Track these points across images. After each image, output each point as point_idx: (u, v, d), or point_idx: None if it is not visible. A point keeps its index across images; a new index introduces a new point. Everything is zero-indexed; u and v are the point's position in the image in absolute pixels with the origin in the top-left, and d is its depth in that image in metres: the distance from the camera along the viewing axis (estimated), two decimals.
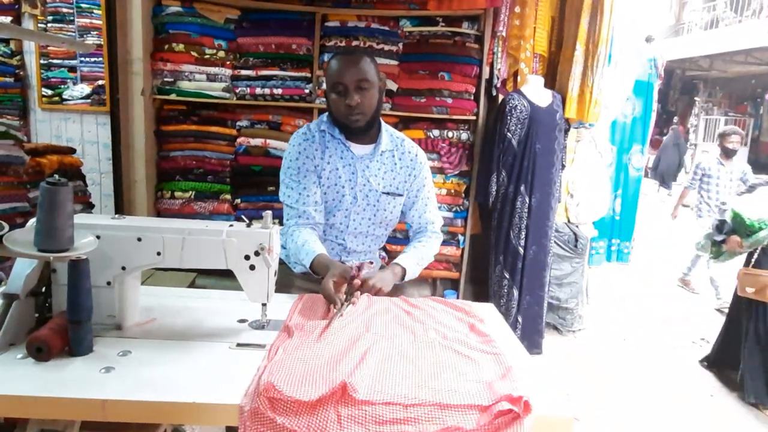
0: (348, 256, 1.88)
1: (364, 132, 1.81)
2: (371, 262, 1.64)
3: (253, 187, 3.32)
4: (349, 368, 1.07)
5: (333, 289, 1.46)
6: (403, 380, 1.06)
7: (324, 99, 3.23)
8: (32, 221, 1.18)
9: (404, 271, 1.78)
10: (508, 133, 3.09)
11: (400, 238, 3.05)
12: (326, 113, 1.90)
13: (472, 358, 1.20)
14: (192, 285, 3.04)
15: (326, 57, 3.23)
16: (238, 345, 1.23)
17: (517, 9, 3.23)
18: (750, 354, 2.96)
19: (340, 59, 1.76)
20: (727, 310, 3.44)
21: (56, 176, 1.08)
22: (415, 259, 1.84)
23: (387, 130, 1.89)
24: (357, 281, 1.54)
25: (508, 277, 3.22)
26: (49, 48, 3.86)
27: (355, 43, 3.20)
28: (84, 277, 1.12)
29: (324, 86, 3.20)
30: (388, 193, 1.85)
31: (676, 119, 16.17)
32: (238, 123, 3.30)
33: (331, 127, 1.84)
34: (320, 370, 1.06)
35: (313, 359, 1.12)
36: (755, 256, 3.09)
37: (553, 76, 3.41)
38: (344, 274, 1.53)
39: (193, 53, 3.19)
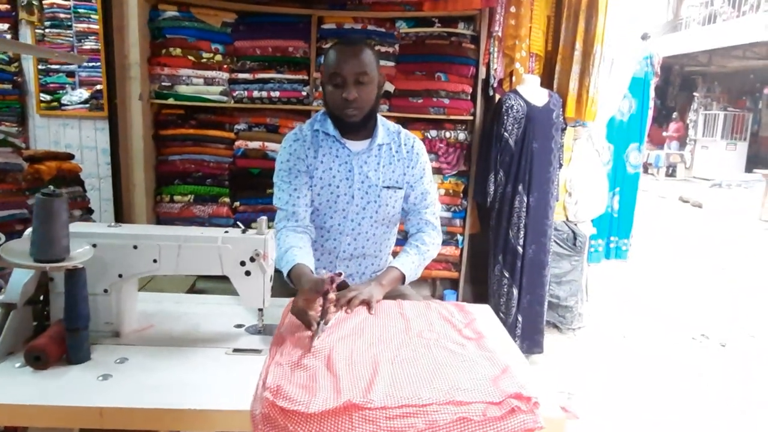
0: (345, 261, 1.84)
1: (360, 127, 1.76)
2: (340, 273, 1.49)
3: (251, 190, 3.33)
4: (360, 384, 1.06)
5: (305, 309, 1.33)
6: (409, 383, 1.07)
7: (321, 101, 3.26)
8: (29, 231, 1.20)
9: (402, 275, 1.73)
10: (505, 133, 3.10)
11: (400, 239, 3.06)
12: (319, 112, 1.86)
13: (468, 356, 1.21)
14: (191, 288, 3.06)
15: (323, 59, 3.23)
16: (235, 350, 1.24)
17: (513, 9, 3.23)
18: None
19: (341, 49, 1.70)
20: None
21: (51, 187, 1.09)
22: (416, 260, 1.79)
23: (384, 124, 1.85)
24: (331, 295, 1.37)
25: (507, 276, 3.23)
26: None
27: None
28: (80, 285, 1.13)
29: (321, 89, 3.23)
30: (388, 187, 1.79)
31: (675, 115, 16.17)
32: (236, 126, 3.30)
33: (325, 125, 1.79)
34: (324, 380, 1.06)
35: (314, 366, 1.12)
36: None
37: (550, 76, 3.42)
38: (315, 288, 1.36)
39: (191, 57, 3.20)
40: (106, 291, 1.25)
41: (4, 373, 1.08)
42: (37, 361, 1.09)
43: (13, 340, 1.15)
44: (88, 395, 1.02)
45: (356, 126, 1.74)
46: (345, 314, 1.46)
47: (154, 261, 1.25)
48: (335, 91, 1.69)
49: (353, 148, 1.78)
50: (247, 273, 1.28)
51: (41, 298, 1.23)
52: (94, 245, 1.20)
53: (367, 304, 1.52)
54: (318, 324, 1.27)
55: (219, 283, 2.97)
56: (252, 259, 1.27)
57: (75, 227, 1.21)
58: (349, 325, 1.37)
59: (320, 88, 3.18)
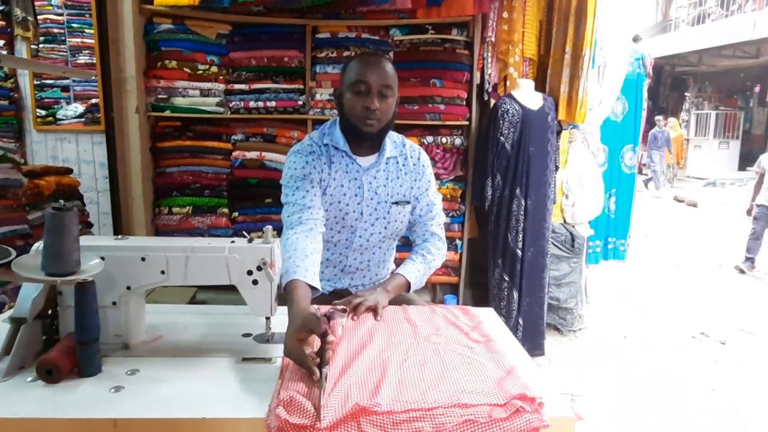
0: (349, 274, 1.84)
1: (372, 140, 1.73)
2: (344, 310, 1.45)
3: (250, 200, 3.33)
4: (367, 387, 1.07)
5: (302, 353, 1.14)
6: (415, 386, 1.08)
7: (318, 110, 3.28)
8: (37, 245, 1.20)
9: (408, 282, 1.73)
10: (501, 137, 3.12)
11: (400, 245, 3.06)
12: (324, 125, 1.82)
13: (475, 359, 1.22)
14: (192, 299, 3.06)
15: (318, 68, 3.26)
16: (244, 359, 1.25)
17: (505, 14, 3.25)
18: None
19: (366, 59, 1.68)
20: None
21: (61, 201, 1.10)
22: (422, 268, 1.78)
23: (389, 136, 1.81)
24: (331, 337, 1.19)
25: (507, 279, 3.24)
26: None
27: (346, 53, 3.23)
28: (91, 298, 1.13)
29: (318, 96, 3.24)
30: (397, 203, 1.78)
31: (659, 118, 16.14)
32: (233, 137, 3.31)
33: (334, 138, 1.74)
34: (336, 388, 1.07)
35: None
36: None
37: (543, 79, 3.44)
38: (309, 325, 1.18)
39: (186, 69, 3.21)
40: (114, 303, 1.26)
41: (16, 387, 1.09)
42: (49, 374, 1.09)
43: (24, 354, 1.16)
44: (101, 407, 1.02)
45: (369, 138, 1.70)
46: (352, 321, 1.46)
47: (162, 272, 1.25)
48: (357, 99, 1.64)
49: (362, 163, 1.75)
50: (255, 282, 1.29)
51: (50, 311, 1.23)
52: (102, 258, 1.20)
53: (373, 310, 1.52)
54: (321, 374, 1.08)
55: (220, 294, 2.99)
56: (259, 268, 1.28)
57: (82, 240, 1.21)
58: (357, 333, 1.37)
59: (316, 96, 3.25)
